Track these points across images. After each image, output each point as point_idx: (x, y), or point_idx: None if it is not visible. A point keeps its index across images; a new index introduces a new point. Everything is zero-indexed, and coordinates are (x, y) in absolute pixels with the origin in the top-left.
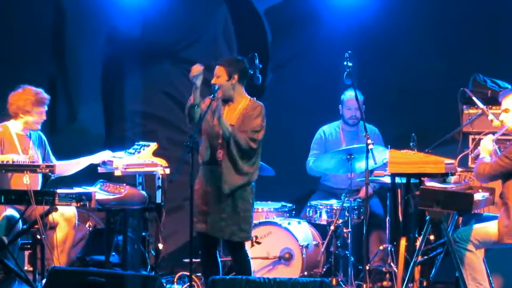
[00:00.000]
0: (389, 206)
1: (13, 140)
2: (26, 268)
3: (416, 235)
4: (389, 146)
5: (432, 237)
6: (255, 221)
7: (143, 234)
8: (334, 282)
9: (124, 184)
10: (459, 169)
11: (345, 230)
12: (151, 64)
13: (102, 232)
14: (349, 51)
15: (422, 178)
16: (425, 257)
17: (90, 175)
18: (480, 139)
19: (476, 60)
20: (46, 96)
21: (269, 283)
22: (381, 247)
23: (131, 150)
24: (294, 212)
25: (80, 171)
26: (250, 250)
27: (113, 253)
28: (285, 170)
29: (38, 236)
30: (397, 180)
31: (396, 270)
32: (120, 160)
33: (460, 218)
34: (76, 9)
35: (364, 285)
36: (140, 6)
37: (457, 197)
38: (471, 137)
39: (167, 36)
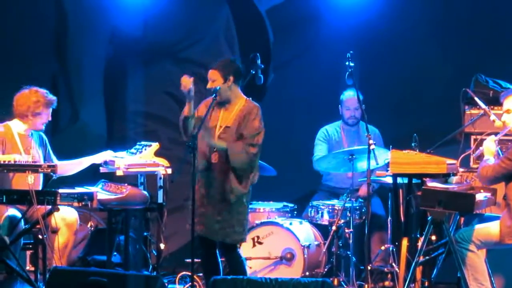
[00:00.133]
0: (390, 207)
1: (15, 140)
2: (27, 268)
3: (418, 236)
4: (391, 146)
5: (433, 238)
6: (256, 221)
7: (145, 234)
8: (335, 282)
9: (126, 184)
10: (461, 170)
11: (346, 230)
12: (153, 64)
13: (103, 232)
14: (351, 51)
15: (424, 179)
16: (427, 257)
17: (92, 175)
18: (482, 140)
19: (478, 60)
20: (54, 97)
21: (270, 283)
22: (382, 247)
23: (132, 150)
24: (295, 212)
25: (82, 171)
26: (252, 250)
27: (115, 253)
28: (287, 170)
29: (40, 236)
30: (399, 180)
31: (398, 270)
32: (121, 160)
33: (462, 219)
34: (78, 10)
35: (366, 286)
36: (142, 6)
37: (459, 197)
38: (473, 137)
39: (169, 36)
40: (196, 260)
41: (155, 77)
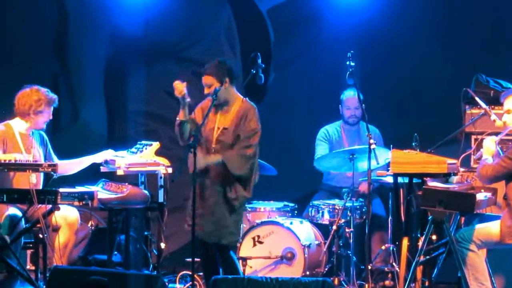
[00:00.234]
0: (391, 206)
1: (16, 139)
2: (28, 267)
3: (418, 235)
4: (391, 146)
5: (434, 237)
6: (257, 221)
7: (145, 233)
8: (336, 282)
9: (127, 184)
10: (461, 169)
11: (347, 230)
12: (154, 63)
13: (104, 231)
14: (352, 51)
15: (425, 178)
16: (427, 257)
17: (92, 174)
18: (482, 139)
19: (478, 60)
20: (55, 95)
21: (271, 282)
22: (383, 247)
23: (133, 150)
24: (296, 212)
25: (83, 170)
26: (252, 249)
27: (115, 253)
28: (287, 170)
29: (40, 235)
30: (400, 180)
31: (398, 270)
32: (122, 160)
33: (462, 218)
34: (80, 9)
35: (366, 285)
36: (143, 6)
37: (460, 197)
38: (473, 137)
39: (170, 35)
40: (196, 259)
41: (156, 77)
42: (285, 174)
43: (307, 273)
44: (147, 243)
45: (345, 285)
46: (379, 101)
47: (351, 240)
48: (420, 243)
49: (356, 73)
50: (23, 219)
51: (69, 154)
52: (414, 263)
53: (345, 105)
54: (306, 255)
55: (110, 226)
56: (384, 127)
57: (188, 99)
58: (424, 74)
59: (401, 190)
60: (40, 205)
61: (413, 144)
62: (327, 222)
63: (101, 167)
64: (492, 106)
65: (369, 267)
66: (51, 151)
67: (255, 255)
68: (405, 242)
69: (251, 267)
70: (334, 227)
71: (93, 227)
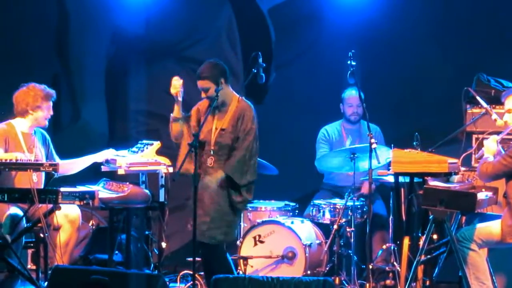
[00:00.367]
0: (392, 206)
1: (18, 138)
2: (29, 266)
3: (419, 235)
4: (392, 145)
5: (435, 237)
6: (258, 220)
7: (146, 232)
8: (337, 281)
9: (128, 183)
10: (462, 169)
11: (348, 229)
12: (155, 63)
13: (105, 230)
14: (353, 50)
15: (426, 178)
16: (428, 256)
17: (93, 173)
18: (483, 139)
19: (479, 59)
20: (52, 90)
21: (272, 282)
22: (384, 246)
23: (134, 149)
24: (297, 211)
25: (84, 169)
26: (253, 249)
27: (116, 252)
28: (288, 169)
29: (41, 235)
30: (401, 179)
31: (399, 269)
32: (123, 159)
33: (463, 218)
34: (80, 9)
35: (367, 285)
36: (144, 5)
37: (460, 196)
38: (474, 136)
39: (171, 35)
40: (197, 259)
41: (157, 76)
42: (286, 173)
43: (308, 272)
44: (148, 242)
45: (346, 285)
46: (380, 101)
47: (352, 240)
48: (421, 243)
49: (357, 72)
50: (24, 219)
51: (70, 153)
52: (415, 263)
53: (346, 103)
54: (307, 255)
55: (111, 225)
56: (385, 126)
57: (179, 98)
58: (425, 73)
59: (402, 189)
60: (41, 204)
61: (414, 143)
62: (328, 222)
63: (102, 166)
64: (493, 106)
65: (370, 267)
66: (53, 151)
67: (256, 255)
68: (406, 241)
69: (252, 266)
70: (335, 226)
71: (94, 227)
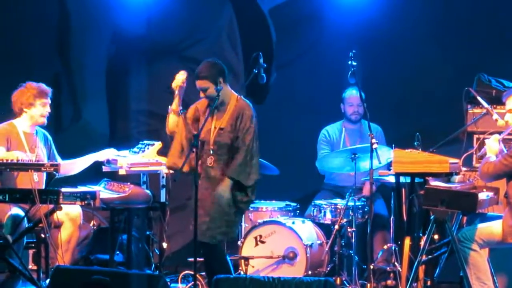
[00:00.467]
0: (393, 206)
1: (20, 138)
2: (30, 267)
3: (420, 235)
4: (393, 145)
5: (436, 237)
6: (259, 220)
7: (147, 233)
8: (338, 281)
9: (129, 183)
10: (463, 169)
11: (349, 230)
12: (156, 62)
13: (106, 231)
14: (354, 51)
15: (427, 178)
16: (429, 256)
17: (94, 174)
18: (484, 139)
19: (480, 59)
20: (47, 88)
21: (273, 282)
22: (385, 247)
23: (135, 149)
24: (298, 211)
25: (85, 170)
26: (254, 249)
27: (118, 252)
28: (289, 169)
29: (43, 235)
30: (402, 179)
31: (400, 270)
32: (124, 159)
33: (465, 218)
34: (81, 8)
35: (368, 285)
36: (145, 5)
37: (462, 196)
38: (475, 136)
39: (172, 34)
40: (198, 259)
41: (158, 76)
42: (287, 173)
43: (309, 272)
44: (149, 242)
45: (347, 285)
46: (381, 101)
47: (353, 240)
48: (422, 243)
49: (358, 72)
50: (25, 219)
51: (71, 153)
52: (416, 263)
53: (347, 102)
54: (308, 255)
55: (112, 225)
56: (386, 126)
57: (177, 92)
58: (426, 73)
59: (403, 189)
60: (42, 204)
61: (415, 143)
62: (329, 222)
63: (103, 166)
64: (494, 106)
65: (371, 267)
66: (55, 152)
67: (257, 255)
68: (407, 241)
69: (253, 266)
70: (336, 226)
71: (95, 227)
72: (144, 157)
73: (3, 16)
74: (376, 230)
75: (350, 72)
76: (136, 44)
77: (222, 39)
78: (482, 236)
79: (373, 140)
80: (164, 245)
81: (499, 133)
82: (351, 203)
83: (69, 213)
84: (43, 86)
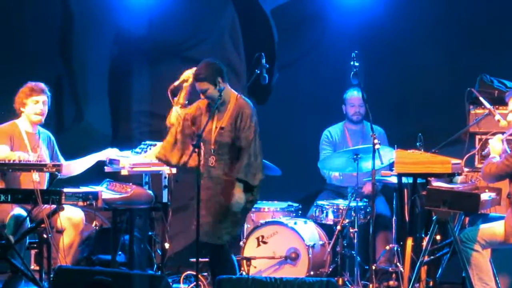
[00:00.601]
0: (395, 206)
1: (22, 138)
2: (32, 267)
3: (423, 235)
4: (395, 146)
5: (438, 237)
6: (261, 221)
7: (150, 233)
8: (340, 282)
9: (131, 184)
10: (465, 169)
11: (351, 230)
12: (158, 63)
13: (108, 231)
14: (356, 51)
15: (429, 178)
16: (432, 257)
17: (96, 174)
18: (487, 139)
19: (482, 60)
20: (40, 85)
21: (275, 282)
22: (387, 247)
23: (137, 150)
24: (300, 212)
25: (87, 170)
26: (256, 249)
27: (120, 253)
28: (292, 170)
29: (45, 236)
30: (404, 180)
31: (403, 270)
32: (126, 160)
33: (467, 218)
34: (83, 9)
35: (370, 285)
36: (147, 6)
37: (464, 197)
38: (477, 137)
39: (174, 35)
40: (200, 259)
41: (160, 77)
42: (289, 174)
43: (311, 273)
44: (151, 243)
45: (349, 285)
46: (383, 101)
47: (355, 240)
48: (424, 243)
49: (360, 72)
50: (27, 219)
51: (73, 154)
52: (418, 263)
53: (349, 103)
54: (310, 255)
55: (114, 226)
56: (388, 127)
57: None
58: (429, 74)
59: (405, 190)
60: (44, 205)
61: (417, 144)
62: (331, 222)
63: (105, 167)
64: (497, 106)
65: (373, 267)
66: (58, 153)
67: (259, 255)
68: (409, 242)
69: (255, 267)
70: (338, 227)
71: (97, 227)
72: (146, 157)
73: (6, 17)
74: (378, 230)
75: (352, 72)
76: (138, 45)
77: (224, 40)
78: (484, 236)
79: (376, 141)
80: (166, 245)
81: (502, 133)
82: (353, 204)
83: (72, 218)
84: (36, 84)
